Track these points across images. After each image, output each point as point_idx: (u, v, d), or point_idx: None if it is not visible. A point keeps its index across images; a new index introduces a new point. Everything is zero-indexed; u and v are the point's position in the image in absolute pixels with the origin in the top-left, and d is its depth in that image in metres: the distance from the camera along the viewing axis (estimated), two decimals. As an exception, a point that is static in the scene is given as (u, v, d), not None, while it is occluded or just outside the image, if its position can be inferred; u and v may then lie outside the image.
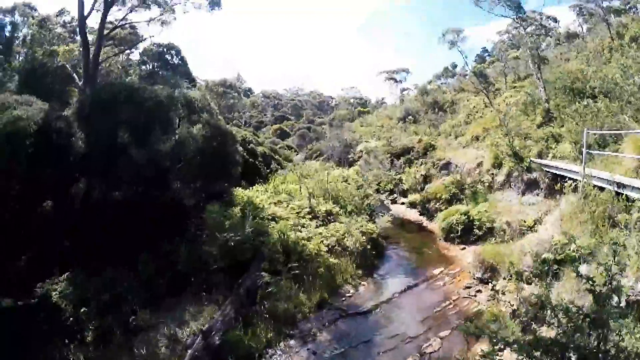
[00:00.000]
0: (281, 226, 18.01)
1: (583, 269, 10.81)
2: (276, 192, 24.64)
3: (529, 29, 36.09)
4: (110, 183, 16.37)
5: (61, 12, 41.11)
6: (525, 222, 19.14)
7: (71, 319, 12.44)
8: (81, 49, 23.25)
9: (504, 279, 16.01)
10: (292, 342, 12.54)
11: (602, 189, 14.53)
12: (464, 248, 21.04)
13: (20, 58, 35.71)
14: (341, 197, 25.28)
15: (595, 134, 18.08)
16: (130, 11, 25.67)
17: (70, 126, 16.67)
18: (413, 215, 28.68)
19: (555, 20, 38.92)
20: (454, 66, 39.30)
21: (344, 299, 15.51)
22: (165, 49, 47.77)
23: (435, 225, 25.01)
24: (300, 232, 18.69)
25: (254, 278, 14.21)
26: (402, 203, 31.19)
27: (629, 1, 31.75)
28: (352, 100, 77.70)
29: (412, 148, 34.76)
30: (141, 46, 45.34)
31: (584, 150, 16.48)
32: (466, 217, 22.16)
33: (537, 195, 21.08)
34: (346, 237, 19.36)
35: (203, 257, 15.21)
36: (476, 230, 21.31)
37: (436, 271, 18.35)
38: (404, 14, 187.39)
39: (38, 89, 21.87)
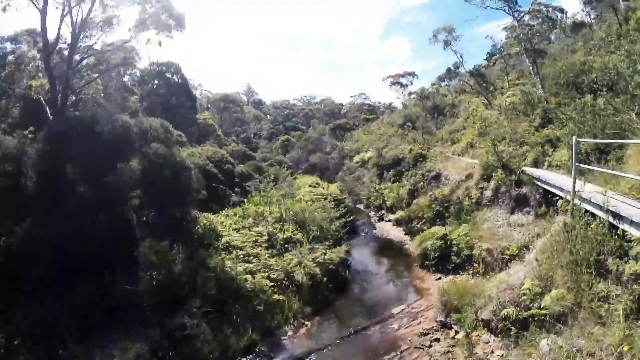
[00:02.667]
0: (217, 261, 16.06)
1: (544, 345, 8.53)
2: (244, 215, 21.79)
3: (533, 22, 31.64)
4: (56, 220, 15.01)
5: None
6: (508, 249, 14.87)
7: (2, 350, 11.42)
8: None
9: (468, 327, 12.06)
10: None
11: (595, 215, 10.24)
12: (439, 278, 17.35)
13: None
14: (307, 222, 21.87)
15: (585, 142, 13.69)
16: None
17: (19, 166, 16.04)
18: (397, 234, 24.59)
19: (562, 10, 34.11)
20: (457, 67, 34.78)
21: (276, 342, 13.64)
22: (164, 68, 45.25)
23: (417, 248, 20.80)
24: (251, 263, 17.06)
25: (180, 318, 12.79)
26: (389, 220, 27.00)
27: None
28: (361, 107, 74.09)
29: (402, 159, 30.45)
30: (141, 65, 43.36)
31: (573, 163, 12.04)
32: (443, 241, 18.31)
33: (528, 214, 16.60)
34: (296, 269, 16.97)
35: (139, 291, 13.71)
36: (454, 258, 17.53)
37: (397, 309, 15.34)
38: (418, 17, 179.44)
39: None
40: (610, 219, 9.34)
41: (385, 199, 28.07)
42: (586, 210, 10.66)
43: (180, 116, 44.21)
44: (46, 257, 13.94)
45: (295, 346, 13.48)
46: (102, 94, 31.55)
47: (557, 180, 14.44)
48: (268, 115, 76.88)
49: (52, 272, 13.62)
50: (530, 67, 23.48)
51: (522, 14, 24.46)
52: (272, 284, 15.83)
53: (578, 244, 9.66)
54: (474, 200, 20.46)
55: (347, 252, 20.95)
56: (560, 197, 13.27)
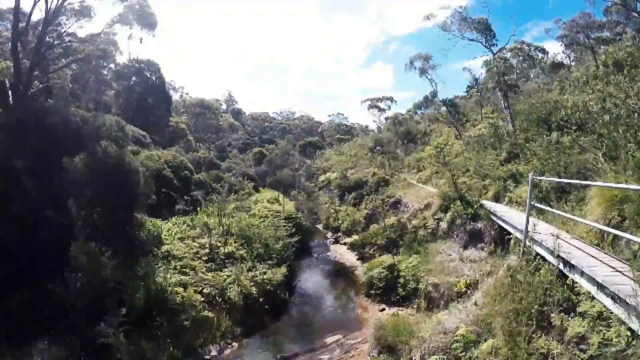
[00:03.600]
0: (148, 270, 15.01)
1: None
2: (193, 225, 20.37)
3: (514, 59, 31.09)
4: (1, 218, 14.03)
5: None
6: (456, 285, 13.51)
7: None
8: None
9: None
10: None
11: (547, 259, 8.92)
12: (383, 309, 15.99)
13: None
14: (254, 238, 20.45)
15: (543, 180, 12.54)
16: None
17: None
18: (350, 258, 23.07)
19: (543, 51, 33.77)
20: (434, 95, 33.91)
21: None
22: (144, 65, 43.36)
23: (366, 276, 19.32)
24: (187, 275, 16.06)
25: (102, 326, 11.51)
26: (344, 243, 25.49)
27: (619, 31, 26.37)
28: (338, 127, 73.13)
29: (365, 182, 29.16)
30: (120, 60, 41.66)
31: (529, 200, 10.78)
32: (389, 271, 16.91)
33: (482, 249, 15.35)
34: (231, 287, 15.93)
35: (70, 296, 12.47)
36: (400, 289, 16.17)
37: (332, 339, 14.13)
38: (403, 47, 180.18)
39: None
40: (561, 267, 8.04)
41: (340, 221, 26.58)
42: (537, 254, 9.40)
43: (154, 116, 42.47)
44: None
45: None
46: (70, 85, 29.93)
47: (512, 217, 13.27)
48: (246, 126, 75.24)
49: None
50: (502, 101, 22.57)
51: (500, 48, 23.68)
52: (203, 299, 14.78)
53: (522, 291, 8.32)
54: (429, 231, 19.27)
55: (291, 273, 19.59)
56: (513, 236, 12.07)
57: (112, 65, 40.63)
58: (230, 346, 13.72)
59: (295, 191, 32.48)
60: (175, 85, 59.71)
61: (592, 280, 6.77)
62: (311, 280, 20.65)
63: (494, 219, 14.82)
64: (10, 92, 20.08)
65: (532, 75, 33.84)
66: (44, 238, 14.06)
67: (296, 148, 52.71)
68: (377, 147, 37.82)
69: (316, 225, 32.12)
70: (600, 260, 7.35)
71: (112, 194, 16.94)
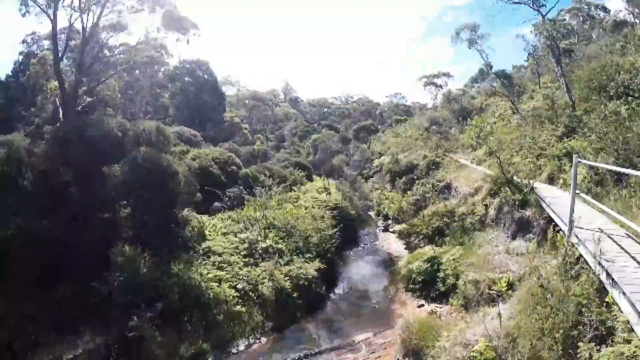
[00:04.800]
0: (182, 267, 15.10)
1: None
2: (238, 220, 20.22)
3: (573, 20, 27.57)
4: (50, 221, 15.40)
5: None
6: (496, 283, 11.85)
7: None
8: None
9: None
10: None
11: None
12: (421, 305, 14.70)
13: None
14: (294, 231, 19.71)
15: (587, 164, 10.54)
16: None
17: (20, 167, 16.64)
18: (398, 248, 21.67)
19: (604, 9, 29.62)
20: (490, 67, 30.99)
21: (224, 355, 12.67)
22: (194, 65, 44.22)
23: (409, 268, 17.96)
24: (223, 270, 16.02)
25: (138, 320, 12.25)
26: (394, 231, 24.08)
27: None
28: (396, 107, 70.36)
29: (416, 166, 27.32)
30: (173, 63, 42.66)
31: (572, 188, 8.97)
32: (430, 264, 15.47)
33: (530, 241, 13.42)
34: (264, 282, 15.55)
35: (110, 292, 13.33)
36: (440, 284, 14.74)
37: (361, 337, 13.18)
38: (461, 17, 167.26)
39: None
40: (602, 277, 6.38)
41: (386, 208, 25.12)
42: (581, 255, 7.73)
43: (209, 113, 43.30)
44: (37, 256, 14.14)
45: None
46: (119, 94, 31.06)
47: (562, 203, 11.38)
48: (305, 114, 74.60)
49: (41, 270, 13.91)
50: (556, 69, 19.79)
51: (549, 9, 20.66)
52: (236, 294, 14.73)
53: (553, 304, 6.76)
54: (477, 219, 17.43)
55: (331, 266, 18.75)
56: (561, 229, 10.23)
57: (165, 69, 41.54)
58: (258, 341, 13.51)
59: (341, 179, 31.23)
60: (231, 80, 60.33)
61: (633, 305, 5.16)
62: (353, 272, 19.55)
63: (544, 205, 12.88)
64: (60, 109, 22.13)
65: (594, 37, 29.87)
66: (90, 238, 15.03)
67: (350, 133, 51.35)
68: (432, 127, 35.61)
69: (369, 212, 30.94)
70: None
71: (152, 196, 17.60)
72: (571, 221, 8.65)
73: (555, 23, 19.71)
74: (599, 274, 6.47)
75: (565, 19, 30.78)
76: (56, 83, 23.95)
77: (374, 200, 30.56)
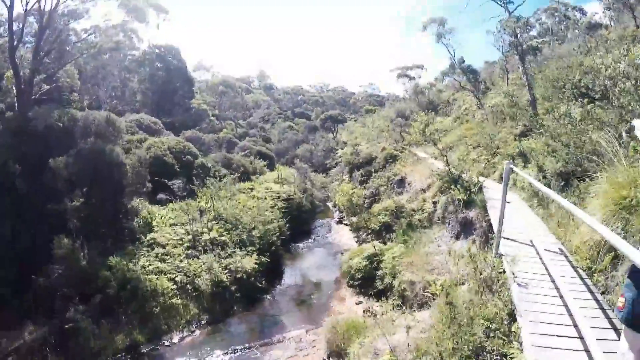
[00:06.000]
0: (118, 260, 14.94)
1: None
2: (187, 211, 19.22)
3: (549, 20, 26.78)
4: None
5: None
6: (431, 284, 10.97)
7: None
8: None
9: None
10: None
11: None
12: (359, 303, 14.08)
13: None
14: (240, 223, 19.02)
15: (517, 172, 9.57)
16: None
17: None
18: (349, 242, 20.75)
19: (582, 11, 29.02)
20: (462, 62, 30.04)
21: (157, 347, 12.57)
22: (164, 51, 42.42)
23: (353, 263, 17.13)
24: (165, 262, 15.87)
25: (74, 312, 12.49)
26: (347, 224, 23.21)
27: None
28: (369, 98, 69.39)
29: (375, 158, 26.39)
30: (142, 47, 41.15)
31: (502, 194, 8.03)
32: (369, 261, 14.74)
33: (473, 243, 12.58)
34: (202, 275, 15.32)
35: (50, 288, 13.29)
36: (378, 282, 14.01)
37: (293, 333, 12.94)
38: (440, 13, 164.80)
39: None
40: (514, 298, 5.48)
41: (337, 200, 24.20)
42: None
43: (177, 100, 41.82)
44: None
45: (171, 354, 12.35)
46: (81, 81, 29.33)
47: (494, 207, 10.61)
48: (280, 102, 72.81)
49: None
50: (520, 66, 18.93)
51: (516, 6, 19.72)
52: (174, 286, 14.64)
53: (459, 325, 5.85)
54: (425, 216, 16.59)
55: (276, 259, 18.17)
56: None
57: (135, 53, 39.74)
58: (192, 334, 13.38)
59: (297, 169, 30.18)
60: (205, 65, 58.26)
61: (528, 340, 4.24)
62: (299, 266, 18.73)
63: (488, 207, 12.05)
64: (16, 99, 20.80)
65: (569, 37, 29.25)
66: (38, 232, 15.09)
67: (317, 122, 50.09)
68: (398, 119, 34.65)
69: (328, 203, 30.05)
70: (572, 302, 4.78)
71: (98, 187, 17.76)
72: (499, 231, 7.76)
73: (519, 20, 18.74)
74: (511, 297, 5.58)
75: (540, 18, 30.17)
76: (10, 72, 22.66)
77: (332, 192, 29.66)
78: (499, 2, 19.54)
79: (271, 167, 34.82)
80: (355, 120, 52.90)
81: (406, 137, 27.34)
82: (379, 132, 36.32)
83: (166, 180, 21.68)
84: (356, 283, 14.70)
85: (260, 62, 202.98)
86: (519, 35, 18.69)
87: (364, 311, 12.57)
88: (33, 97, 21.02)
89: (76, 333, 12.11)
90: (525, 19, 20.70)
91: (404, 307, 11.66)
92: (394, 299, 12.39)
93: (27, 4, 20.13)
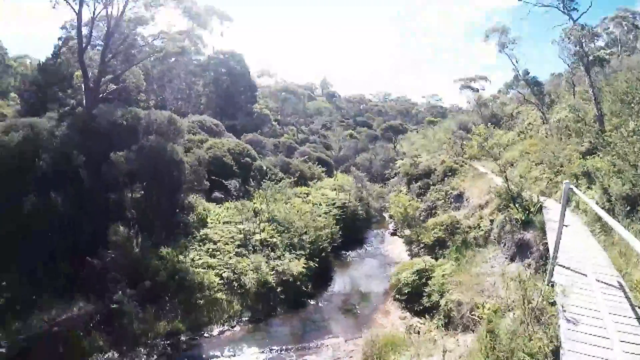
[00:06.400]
0: (169, 251, 15.74)
1: None
2: (242, 210, 19.77)
3: (617, 30, 24.89)
4: (62, 199, 16.49)
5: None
6: (479, 307, 10.42)
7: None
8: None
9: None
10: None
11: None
12: (403, 318, 13.63)
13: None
14: (292, 226, 19.11)
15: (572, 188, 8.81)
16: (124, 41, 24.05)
17: (37, 150, 17.53)
18: (401, 254, 20.30)
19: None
20: (526, 73, 28.52)
21: (197, 337, 12.91)
22: (228, 56, 44.15)
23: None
24: (215, 258, 16.29)
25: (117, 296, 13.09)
26: (402, 236, 22.70)
27: None
28: (432, 109, 67.60)
29: (434, 170, 25.68)
30: (207, 52, 42.87)
31: (560, 222, 7.51)
32: (418, 276, 14.27)
33: (528, 267, 11.86)
34: (249, 273, 15.44)
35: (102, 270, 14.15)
36: (425, 299, 13.45)
37: (331, 341, 12.64)
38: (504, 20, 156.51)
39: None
40: (561, 336, 5.04)
41: (393, 212, 23.68)
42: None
43: (240, 104, 43.24)
44: (49, 230, 15.44)
45: (209, 345, 12.56)
46: (148, 82, 31.23)
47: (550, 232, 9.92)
48: (342, 110, 72.94)
49: (50, 242, 15.09)
50: (586, 79, 17.68)
51: (580, 14, 18.46)
52: (221, 282, 14.97)
53: (495, 358, 5.48)
54: (481, 234, 15.86)
55: (325, 265, 18.06)
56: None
57: (200, 58, 41.55)
58: (232, 329, 13.53)
59: (354, 178, 29.91)
60: (269, 72, 59.71)
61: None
62: (348, 274, 18.54)
63: (547, 229, 11.31)
64: (84, 96, 22.49)
65: (639, 47, 26.92)
66: (97, 218, 16.07)
67: (378, 131, 49.59)
68: (460, 131, 33.56)
69: (384, 214, 29.62)
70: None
71: (157, 182, 18.62)
72: (553, 257, 7.25)
73: (584, 28, 17.51)
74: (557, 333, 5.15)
75: (608, 28, 28.05)
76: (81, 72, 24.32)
77: (389, 202, 29.19)
78: (562, 10, 18.43)
79: (329, 174, 34.93)
80: (416, 131, 51.98)
81: (467, 151, 26.39)
82: (439, 144, 35.43)
83: (223, 180, 22.28)
84: (403, 297, 14.27)
85: (324, 71, 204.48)
86: (584, 45, 17.48)
87: (406, 327, 12.28)
88: (100, 95, 22.54)
89: (121, 314, 12.75)
90: (590, 27, 19.26)
91: (448, 328, 11.25)
92: (438, 318, 11.91)
93: (94, 10, 21.51)
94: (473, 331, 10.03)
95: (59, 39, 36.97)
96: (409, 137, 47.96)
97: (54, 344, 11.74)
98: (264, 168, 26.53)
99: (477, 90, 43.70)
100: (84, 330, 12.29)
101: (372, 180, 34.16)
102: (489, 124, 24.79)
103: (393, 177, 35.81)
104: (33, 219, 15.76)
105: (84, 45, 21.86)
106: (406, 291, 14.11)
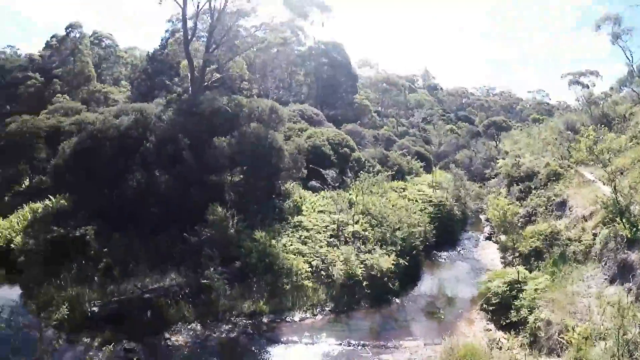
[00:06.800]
0: (263, 235, 16.45)
1: None
2: (337, 201, 20.11)
3: None
4: (168, 177, 18.43)
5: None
6: (569, 330, 10.01)
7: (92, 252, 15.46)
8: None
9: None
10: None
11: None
12: (488, 330, 13.30)
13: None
14: (386, 221, 19.22)
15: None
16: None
17: (145, 133, 19.90)
18: (494, 261, 19.75)
19: None
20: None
21: (277, 320, 13.42)
22: (329, 47, 45.17)
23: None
24: (306, 245, 16.85)
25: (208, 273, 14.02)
26: (496, 242, 21.97)
27: None
28: (538, 105, 62.47)
29: (536, 174, 24.25)
30: (308, 43, 44.28)
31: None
32: (508, 288, 13.79)
33: (629, 291, 11.08)
34: (337, 264, 15.64)
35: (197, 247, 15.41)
36: (513, 313, 12.97)
37: (410, 344, 12.50)
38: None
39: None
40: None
41: (488, 216, 22.78)
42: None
43: (340, 94, 44.01)
44: (152, 205, 17.44)
45: (289, 330, 12.99)
46: (251, 72, 33.06)
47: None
48: (444, 103, 70.56)
49: (152, 215, 17.12)
50: None
51: None
52: (309, 269, 15.36)
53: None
54: (582, 249, 14.88)
55: (415, 264, 17.91)
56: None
57: (301, 49, 42.81)
58: (314, 317, 13.81)
59: (455, 176, 28.95)
60: (370, 62, 59.65)
61: None
62: (437, 275, 18.50)
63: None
64: (190, 84, 24.65)
65: None
66: (196, 197, 17.47)
67: (480, 127, 47.34)
68: (568, 132, 31.00)
69: (480, 216, 28.64)
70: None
71: (256, 167, 19.52)
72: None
73: None
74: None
75: None
76: (186, 62, 26.47)
77: (487, 204, 28.07)
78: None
79: (428, 170, 34.27)
80: (520, 129, 48.84)
81: (573, 154, 24.49)
82: (544, 145, 33.06)
83: (321, 169, 22.72)
84: (490, 308, 13.95)
85: (425, 62, 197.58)
86: None
87: (489, 340, 11.92)
88: (205, 84, 24.33)
89: (209, 290, 13.51)
90: None
91: (532, 348, 10.87)
92: (524, 336, 11.56)
93: (198, 3, 23.03)
94: (559, 356, 9.70)
95: (166, 31, 40.79)
96: (512, 135, 45.21)
97: (142, 309, 12.85)
98: (362, 159, 26.81)
99: (587, 87, 39.76)
100: (173, 300, 13.22)
101: (471, 179, 32.96)
102: (599, 125, 23.01)
103: (493, 178, 34.32)
104: (137, 194, 17.63)
105: (189, 37, 23.65)
106: (494, 301, 13.80)
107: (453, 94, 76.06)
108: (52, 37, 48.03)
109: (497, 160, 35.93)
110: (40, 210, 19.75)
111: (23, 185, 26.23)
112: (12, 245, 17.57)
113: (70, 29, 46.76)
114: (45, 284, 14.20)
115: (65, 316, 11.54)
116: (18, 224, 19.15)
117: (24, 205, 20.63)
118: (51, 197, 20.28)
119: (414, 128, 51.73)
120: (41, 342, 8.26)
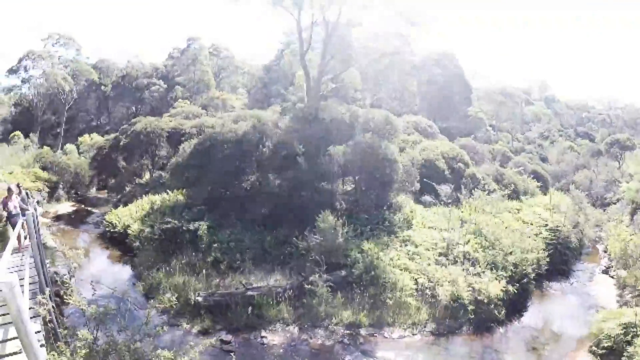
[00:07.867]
0: (371, 247, 16.60)
1: None
2: (448, 218, 20.05)
3: None
4: (281, 179, 19.49)
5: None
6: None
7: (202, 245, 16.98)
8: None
9: None
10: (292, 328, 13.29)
11: None
12: None
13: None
14: (499, 243, 18.60)
15: None
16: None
17: (261, 138, 21.18)
18: (608, 299, 18.07)
19: None
20: None
21: (375, 334, 13.35)
22: (441, 57, 44.72)
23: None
24: (413, 261, 16.64)
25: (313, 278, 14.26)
26: (614, 277, 20.33)
27: None
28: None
29: (671, 202, 21.87)
30: (420, 53, 43.70)
31: None
32: (624, 331, 12.75)
33: None
34: (444, 285, 15.19)
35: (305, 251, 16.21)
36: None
37: None
38: None
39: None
40: None
41: (608, 247, 20.95)
42: None
43: (454, 106, 43.12)
44: (265, 206, 18.64)
45: (386, 346, 12.81)
46: (365, 82, 33.89)
47: None
48: (562, 117, 65.00)
49: (264, 216, 18.38)
50: None
51: None
52: (415, 286, 15.10)
53: None
54: None
55: (523, 292, 17.09)
56: None
57: (413, 59, 42.70)
58: (413, 336, 13.58)
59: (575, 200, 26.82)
60: (482, 74, 57.46)
61: None
62: (545, 308, 17.44)
63: None
64: (305, 92, 25.71)
65: None
66: (307, 201, 18.25)
67: (601, 145, 42.88)
68: None
69: (597, 245, 26.43)
70: None
71: (368, 178, 19.87)
72: None
73: None
74: None
75: None
76: (301, 72, 27.87)
77: (606, 233, 25.85)
78: None
79: (544, 190, 32.45)
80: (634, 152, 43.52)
81: None
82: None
83: (434, 184, 22.38)
84: (600, 351, 12.95)
85: (541, 73, 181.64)
86: None
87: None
88: (320, 93, 25.21)
89: (312, 295, 13.75)
90: None
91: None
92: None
93: (313, 16, 23.92)
94: None
95: (281, 43, 43.41)
96: (637, 156, 40.57)
97: (244, 305, 13.42)
98: (478, 176, 26.20)
99: None
100: (274, 300, 13.75)
101: (591, 204, 30.43)
102: None
103: (614, 203, 31.35)
104: (249, 195, 18.86)
105: (305, 48, 24.64)
106: (605, 345, 12.81)
107: (572, 107, 69.66)
108: (173, 49, 54.48)
109: (620, 184, 32.68)
110: (157, 202, 22.04)
111: (144, 179, 29.91)
112: (129, 231, 19.77)
113: (190, 41, 52.85)
114: (155, 269, 15.73)
115: (173, 301, 13.00)
116: (136, 212, 21.73)
117: (144, 196, 23.64)
118: (169, 191, 22.60)
119: (530, 144, 48.80)
120: (147, 324, 8.70)
